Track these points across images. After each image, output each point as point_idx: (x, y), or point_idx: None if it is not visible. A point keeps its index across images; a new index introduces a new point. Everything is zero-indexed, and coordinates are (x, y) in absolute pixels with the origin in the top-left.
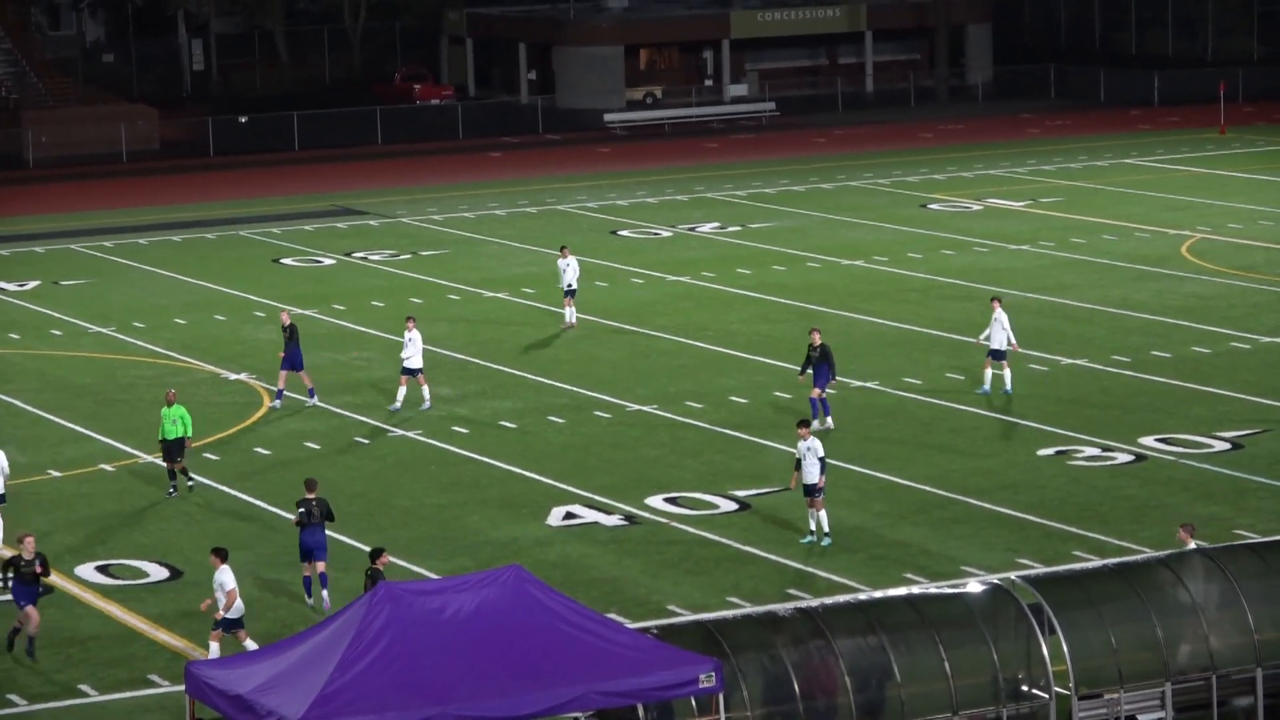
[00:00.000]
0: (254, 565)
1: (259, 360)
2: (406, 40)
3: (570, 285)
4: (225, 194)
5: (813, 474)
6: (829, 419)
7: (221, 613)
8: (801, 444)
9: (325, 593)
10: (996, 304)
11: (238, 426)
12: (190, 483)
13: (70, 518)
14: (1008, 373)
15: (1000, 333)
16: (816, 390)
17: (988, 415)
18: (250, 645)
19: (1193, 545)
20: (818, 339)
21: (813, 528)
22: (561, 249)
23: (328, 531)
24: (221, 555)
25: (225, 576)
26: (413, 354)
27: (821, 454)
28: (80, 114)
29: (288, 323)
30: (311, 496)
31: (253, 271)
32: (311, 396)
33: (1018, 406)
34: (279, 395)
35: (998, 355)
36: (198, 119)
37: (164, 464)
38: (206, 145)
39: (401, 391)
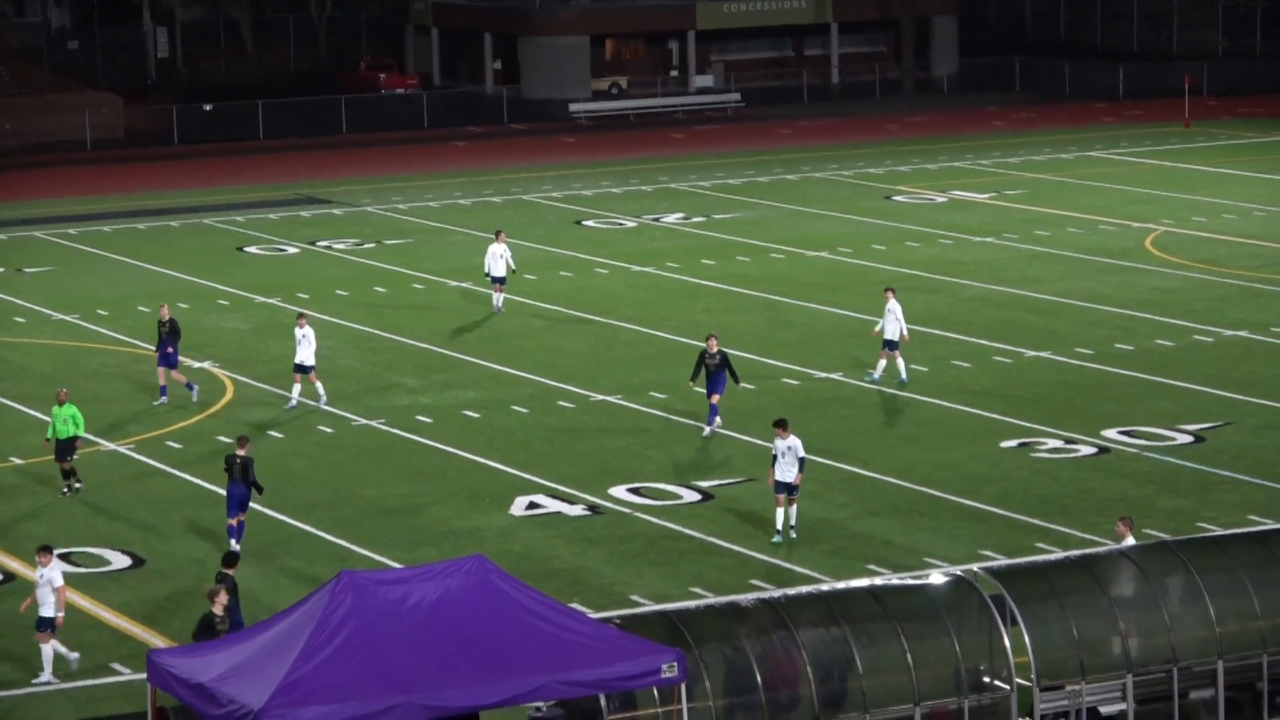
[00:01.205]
0: (215, 554)
1: (223, 349)
2: (372, 30)
3: (494, 273)
4: (190, 182)
5: (790, 473)
6: (711, 425)
7: (52, 612)
8: (780, 443)
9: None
10: (890, 294)
11: (201, 415)
12: (79, 485)
13: (32, 506)
14: (901, 362)
15: (893, 323)
16: (716, 396)
17: (951, 407)
18: (49, 650)
19: (1130, 541)
20: (714, 346)
21: (779, 525)
22: (496, 234)
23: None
24: (49, 551)
25: (54, 574)
26: (307, 352)
27: (801, 454)
28: (45, 102)
29: (167, 317)
30: (239, 454)
31: (217, 260)
32: (163, 395)
33: (982, 398)
34: (163, 392)
35: (891, 345)
36: (162, 107)
37: (57, 464)
38: (171, 134)
39: (296, 389)
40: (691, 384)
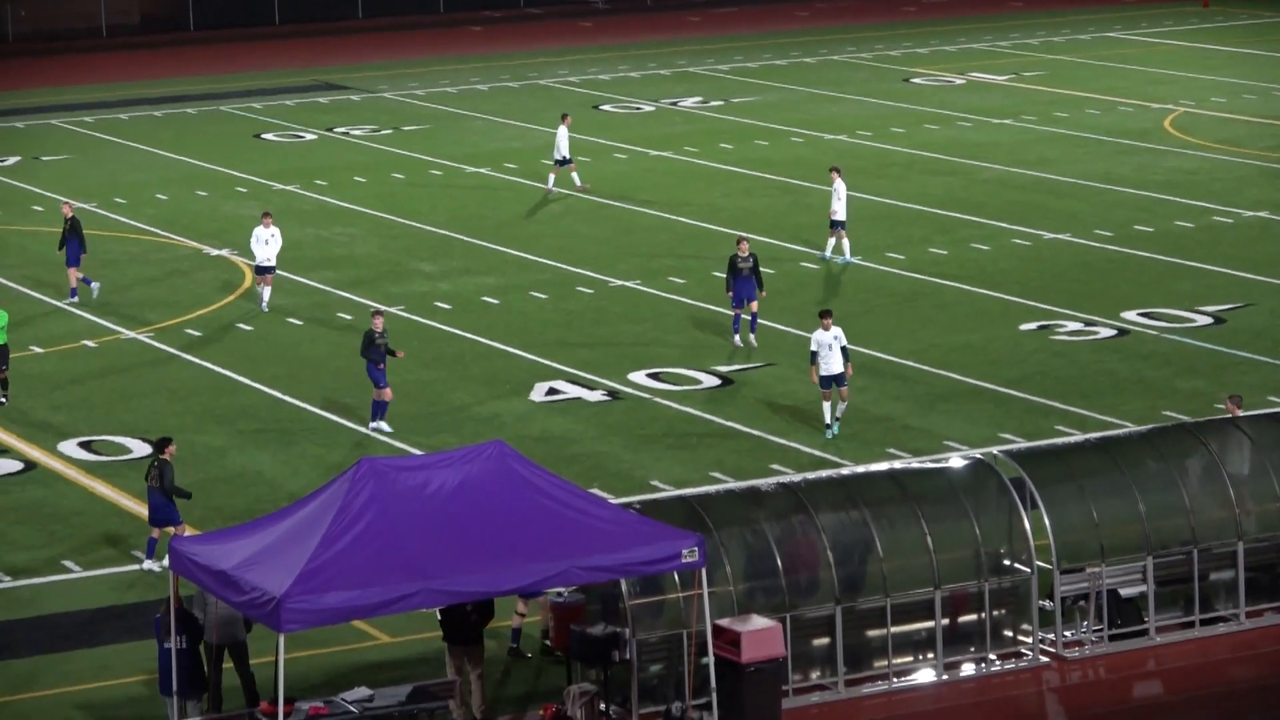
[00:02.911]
0: (233, 442)
1: (241, 236)
2: None
3: (560, 154)
4: (205, 69)
5: (836, 364)
6: (753, 334)
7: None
8: (823, 335)
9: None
10: (835, 174)
11: (220, 303)
12: (4, 400)
13: (53, 394)
14: (845, 242)
15: (838, 203)
16: (752, 305)
17: (970, 290)
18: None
19: (1240, 413)
20: (745, 249)
21: (828, 419)
22: (563, 116)
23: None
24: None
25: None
26: (271, 252)
27: (845, 343)
28: None
29: (69, 215)
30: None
31: (234, 147)
32: (74, 295)
33: (1001, 281)
34: (73, 294)
35: (836, 225)
36: None
37: None
38: (187, 19)
39: (266, 291)
40: (730, 295)
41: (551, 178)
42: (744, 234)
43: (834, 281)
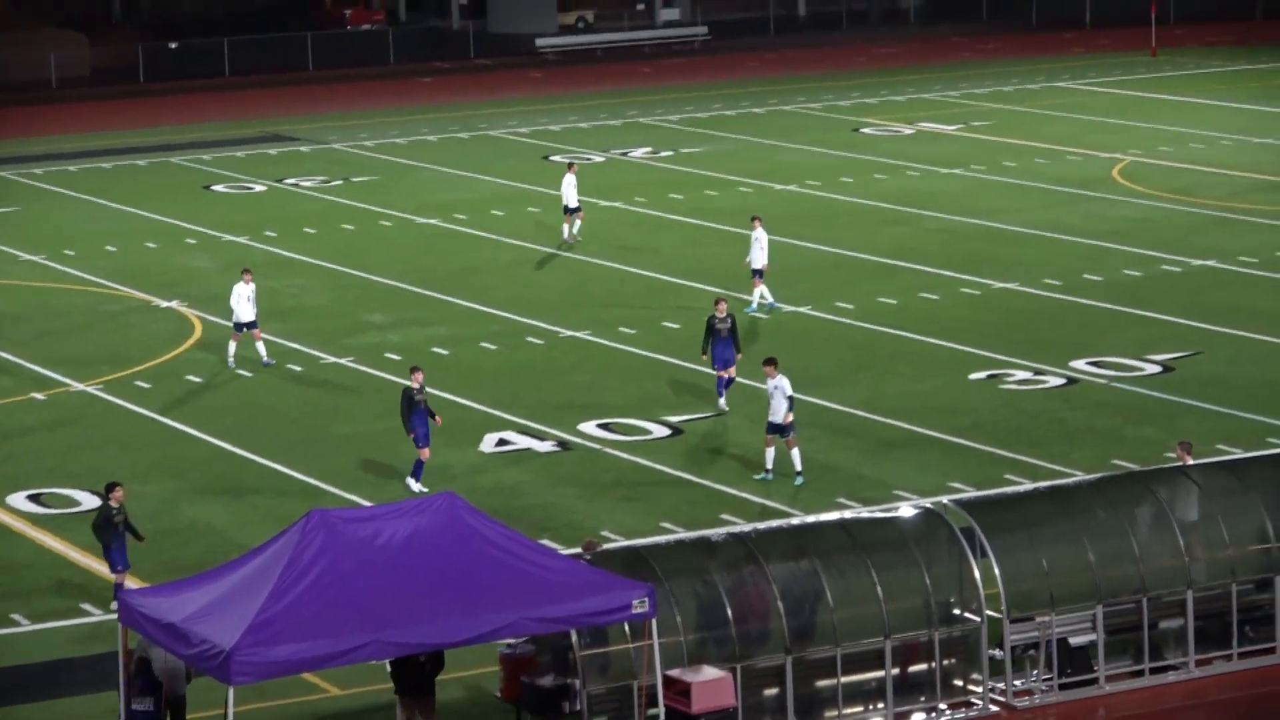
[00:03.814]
0: (183, 494)
1: (191, 287)
2: None
3: (568, 203)
4: (156, 121)
5: (779, 412)
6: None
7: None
8: (769, 382)
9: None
10: (757, 223)
11: (170, 355)
12: None
13: (1, 446)
14: (758, 290)
15: (759, 252)
16: (731, 370)
17: (920, 339)
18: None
19: (1190, 460)
20: (724, 309)
21: (769, 464)
22: (570, 165)
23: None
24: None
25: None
26: (249, 308)
27: (790, 392)
28: (9, 40)
29: None
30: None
31: (183, 198)
32: None
33: (950, 330)
34: None
35: (757, 273)
36: (128, 45)
37: None
38: (137, 71)
39: (261, 345)
40: (704, 356)
41: (565, 228)
42: (722, 294)
43: (784, 330)
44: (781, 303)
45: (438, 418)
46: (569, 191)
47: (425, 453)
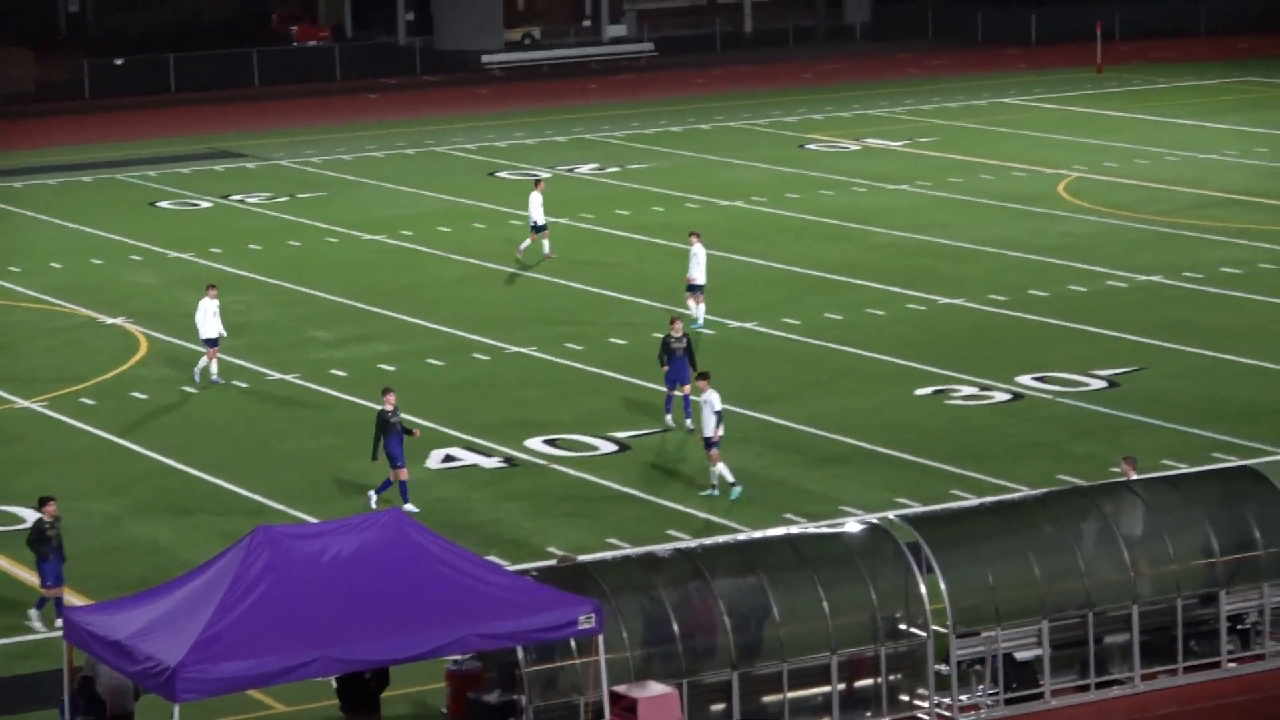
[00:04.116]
0: (129, 511)
1: (136, 304)
2: None
3: (536, 221)
4: (101, 137)
5: (708, 426)
6: (689, 419)
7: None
8: (700, 396)
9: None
10: (695, 238)
11: (115, 371)
12: None
13: None
14: (701, 307)
15: (696, 268)
16: (686, 388)
17: (866, 355)
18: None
19: (1135, 475)
20: (679, 329)
21: (714, 481)
22: (536, 183)
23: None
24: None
25: None
26: (216, 324)
27: (718, 407)
28: None
29: None
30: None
31: (129, 215)
32: None
33: (896, 346)
34: None
35: (693, 289)
36: (74, 61)
37: None
38: (83, 88)
39: (214, 364)
40: (664, 369)
41: (525, 243)
42: (677, 312)
43: (730, 346)
44: (728, 318)
45: (415, 431)
46: (536, 209)
47: (404, 473)
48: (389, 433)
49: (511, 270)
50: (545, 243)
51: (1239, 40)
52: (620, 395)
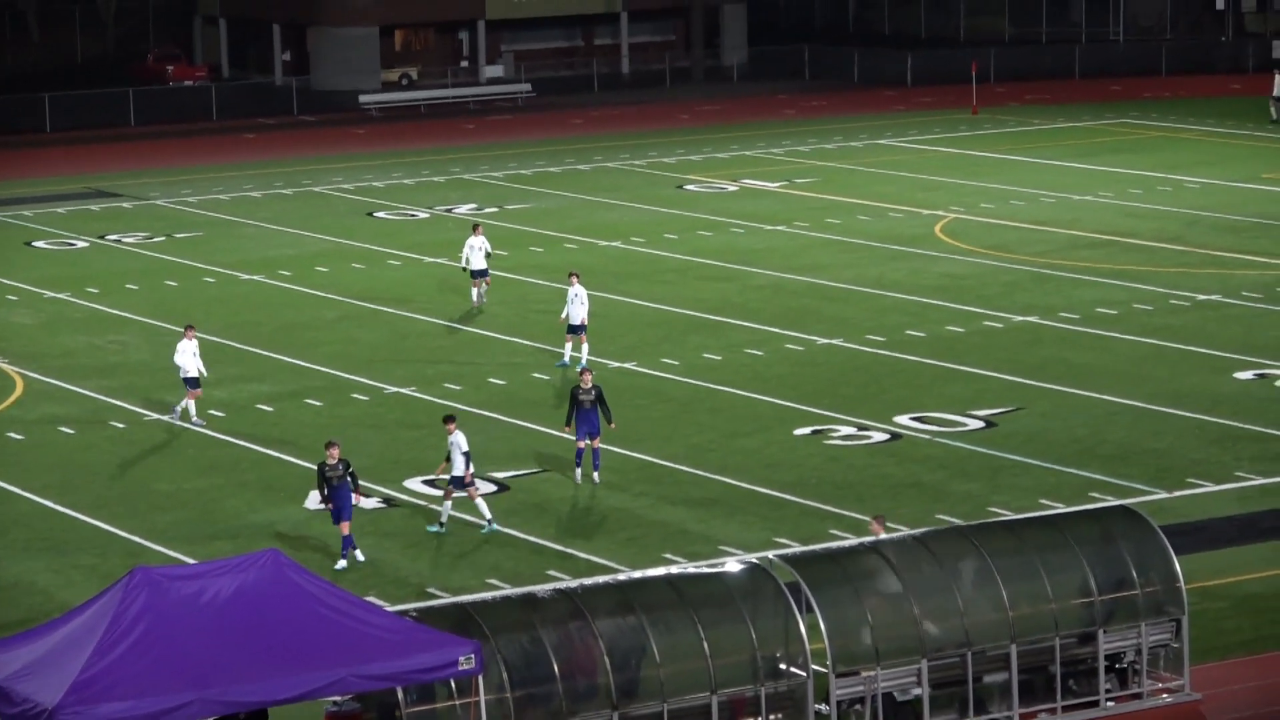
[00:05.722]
0: (5, 552)
1: (13, 344)
2: (160, 19)
3: (473, 266)
4: None
5: (457, 466)
6: (596, 471)
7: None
8: (449, 438)
9: None
10: (575, 279)
11: None
12: None
13: None
14: (585, 347)
15: (578, 308)
16: (595, 441)
17: (745, 395)
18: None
19: (884, 536)
20: (589, 380)
21: (443, 519)
22: (474, 227)
23: None
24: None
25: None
26: (196, 364)
27: (465, 449)
28: None
29: None
30: None
31: (5, 255)
32: None
33: (775, 386)
34: None
35: (574, 330)
36: None
37: None
38: None
39: (193, 405)
40: (567, 428)
41: (474, 291)
42: (588, 366)
43: (608, 386)
44: (607, 359)
45: (358, 496)
46: (474, 254)
47: (345, 526)
48: (339, 487)
49: (390, 310)
50: (475, 290)
51: (1113, 83)
52: (499, 435)
